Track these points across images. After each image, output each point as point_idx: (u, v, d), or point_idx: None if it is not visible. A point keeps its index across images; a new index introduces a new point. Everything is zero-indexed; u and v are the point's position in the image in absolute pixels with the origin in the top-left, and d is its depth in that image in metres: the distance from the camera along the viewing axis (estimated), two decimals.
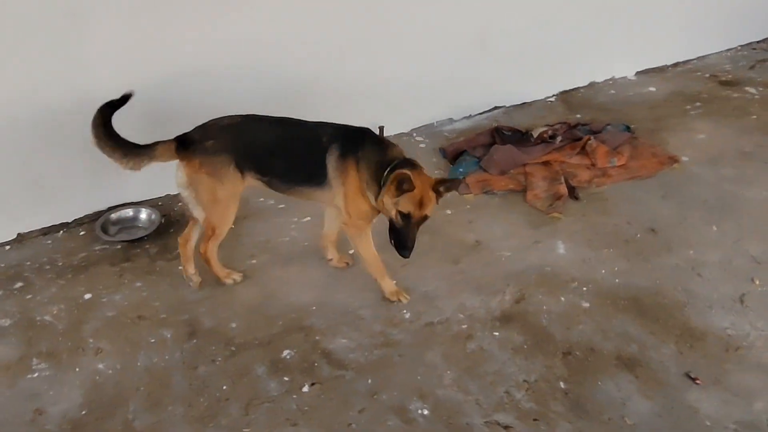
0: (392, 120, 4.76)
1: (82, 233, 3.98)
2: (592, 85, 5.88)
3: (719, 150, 4.92)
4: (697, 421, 2.89)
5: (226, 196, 3.21)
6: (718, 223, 4.14)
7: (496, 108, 5.41)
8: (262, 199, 4.26)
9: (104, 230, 3.90)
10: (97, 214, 4.04)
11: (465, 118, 5.29)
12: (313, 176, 3.22)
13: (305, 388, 2.99)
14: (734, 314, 3.44)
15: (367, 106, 4.56)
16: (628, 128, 5.02)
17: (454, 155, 4.72)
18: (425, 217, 3.08)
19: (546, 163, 4.63)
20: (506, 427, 2.84)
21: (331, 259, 3.70)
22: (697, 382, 3.06)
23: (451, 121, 5.26)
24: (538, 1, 5.17)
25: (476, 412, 2.90)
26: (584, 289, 3.61)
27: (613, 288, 3.62)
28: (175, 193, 4.20)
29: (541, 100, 5.61)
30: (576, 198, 4.34)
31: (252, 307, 3.46)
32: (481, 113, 5.36)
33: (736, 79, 5.99)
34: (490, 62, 5.16)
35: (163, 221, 4.06)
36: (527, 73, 5.39)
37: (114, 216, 4.02)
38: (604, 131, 4.92)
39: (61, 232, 3.97)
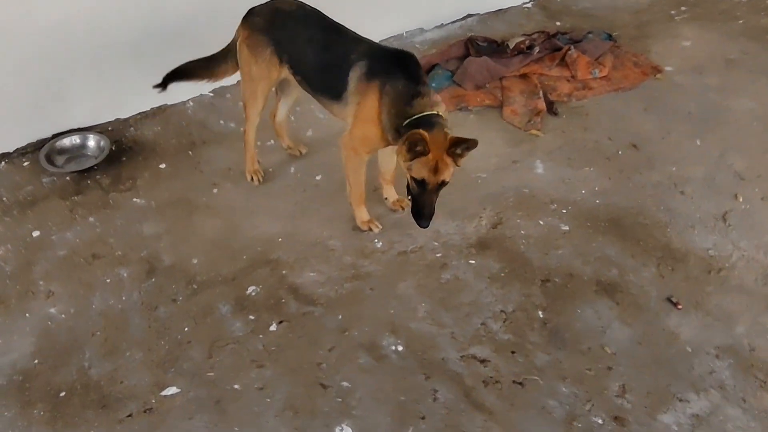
0: (359, 29, 4.38)
1: (26, 164, 3.67)
2: None
3: (704, 58, 4.68)
4: (677, 347, 2.82)
5: (259, 75, 3.20)
6: (701, 136, 3.97)
7: (469, 15, 5.04)
8: (222, 122, 3.97)
9: (50, 160, 3.60)
10: (41, 143, 3.71)
11: (437, 27, 4.92)
12: (333, 88, 3.04)
13: (272, 327, 2.85)
14: (717, 234, 3.33)
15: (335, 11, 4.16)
16: (610, 36, 4.73)
17: (425, 69, 4.40)
18: (443, 183, 2.79)
19: (524, 76, 4.36)
20: (483, 361, 2.75)
21: (386, 199, 3.45)
22: (678, 307, 2.97)
23: (422, 31, 4.90)
24: None
25: (451, 346, 2.79)
26: (563, 211, 3.45)
27: (593, 209, 3.47)
28: (125, 117, 3.92)
29: (518, 6, 5.24)
30: (555, 113, 4.12)
31: (215, 240, 3.26)
32: (453, 21, 4.99)
33: None
34: None
35: (113, 148, 3.76)
36: None
37: (59, 144, 3.71)
38: (585, 40, 4.62)
39: (2, 163, 3.65)
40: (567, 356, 2.77)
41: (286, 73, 3.21)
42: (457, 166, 2.79)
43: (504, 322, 2.90)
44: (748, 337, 2.87)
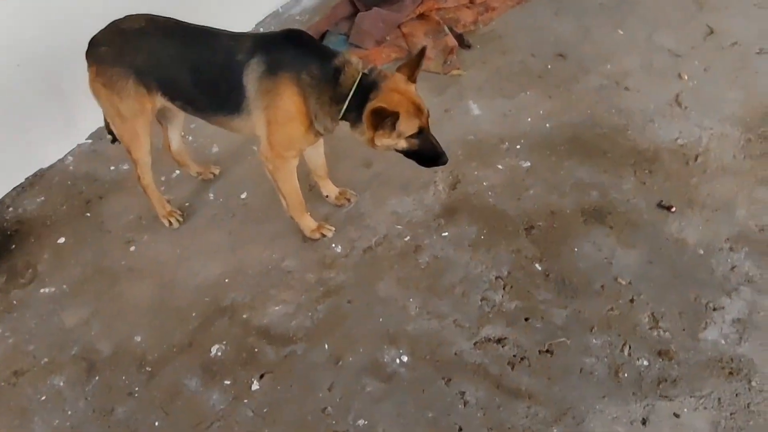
0: (231, 18, 3.84)
1: None
2: None
3: None
4: (689, 253, 2.59)
5: (129, 114, 2.64)
6: (621, 25, 3.74)
7: None
8: (112, 167, 3.39)
9: None
10: None
11: None
12: (227, 101, 2.52)
13: (255, 385, 2.42)
14: (678, 120, 3.11)
15: (199, 6, 3.61)
16: None
17: (317, 39, 3.95)
18: (428, 116, 2.42)
19: (422, 17, 3.97)
20: (499, 341, 2.43)
21: (327, 196, 3.01)
22: (672, 210, 2.73)
23: (296, 1, 4.40)
24: None
25: (460, 336, 2.45)
26: (517, 147, 3.14)
27: (546, 135, 3.17)
28: (3, 194, 3.29)
29: None
30: (468, 46, 3.77)
31: (153, 306, 2.76)
32: None
33: None
34: None
35: None
36: None
37: None
38: None
39: None
40: (584, 303, 2.48)
41: (161, 101, 2.66)
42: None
43: (504, 288, 2.58)
44: (752, 218, 2.67)
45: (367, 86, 2.35)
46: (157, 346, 2.60)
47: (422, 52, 2.38)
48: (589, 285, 2.53)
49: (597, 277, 2.55)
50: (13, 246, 3.11)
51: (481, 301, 2.55)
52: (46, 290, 2.88)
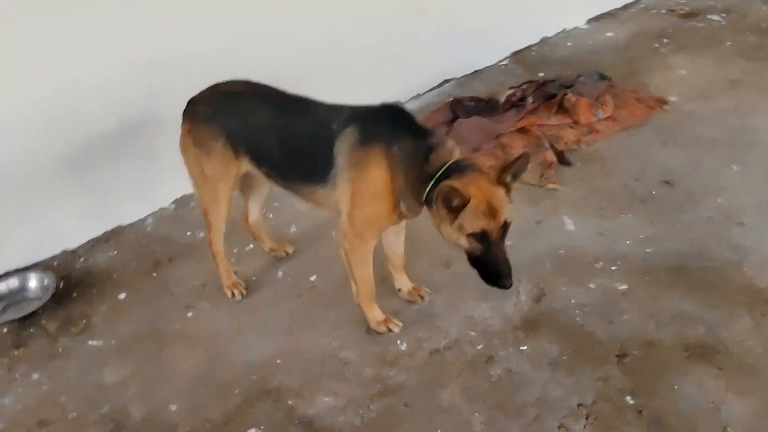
0: None
1: None
2: (544, 41, 5.19)
3: (706, 83, 4.29)
4: None
5: (214, 175, 2.61)
6: (736, 161, 3.48)
7: (446, 81, 4.64)
8: (188, 233, 3.35)
9: None
10: None
11: (414, 98, 4.49)
12: (314, 170, 2.42)
13: None
14: None
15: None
16: (603, 76, 4.32)
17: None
18: (506, 226, 2.19)
19: (522, 130, 3.88)
20: None
21: (400, 290, 2.80)
22: None
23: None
24: None
25: None
26: (613, 268, 2.86)
27: (646, 260, 2.88)
28: (73, 247, 3.28)
29: (494, 65, 4.88)
30: (567, 163, 3.61)
31: (196, 377, 2.56)
32: (430, 90, 4.57)
33: (696, 10, 5.39)
34: (431, 30, 4.40)
35: (62, 285, 3.09)
36: (472, 37, 4.64)
37: None
38: (578, 84, 4.19)
39: None
40: None
41: (247, 166, 2.61)
42: (510, 200, 2.20)
43: (587, 419, 2.22)
44: None
45: (454, 170, 2.19)
46: (191, 420, 2.38)
47: (523, 159, 2.20)
48: (693, 429, 2.13)
49: (702, 423, 2.15)
50: (75, 294, 3.06)
51: (558, 429, 2.19)
52: (94, 343, 2.77)
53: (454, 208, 2.11)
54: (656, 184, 3.37)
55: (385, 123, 2.33)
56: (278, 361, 2.57)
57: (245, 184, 2.88)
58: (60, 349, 2.76)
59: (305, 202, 2.64)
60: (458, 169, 2.20)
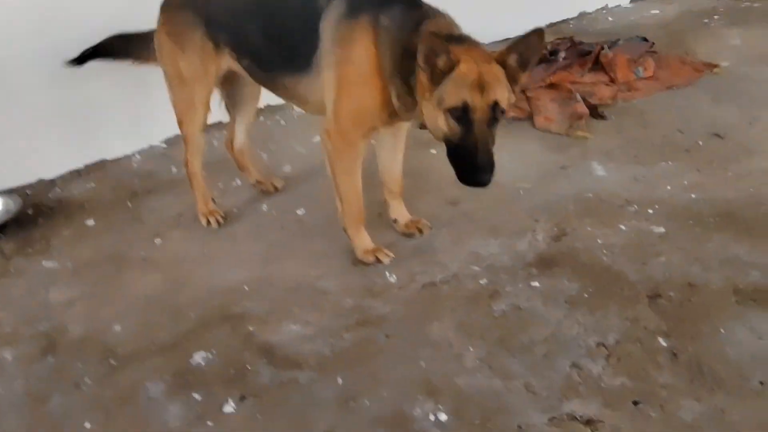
0: None
1: None
2: (582, 15, 4.81)
3: (762, 52, 3.84)
4: None
5: (191, 75, 2.31)
6: None
7: None
8: (175, 169, 3.03)
9: None
10: None
11: None
12: (298, 54, 2.07)
13: (228, 407, 1.73)
14: None
15: None
16: (645, 39, 3.92)
17: None
18: (496, 108, 1.77)
19: (552, 86, 3.49)
20: (589, 422, 1.60)
21: (395, 221, 2.41)
22: None
23: None
24: None
25: (531, 405, 1.66)
26: (650, 211, 2.43)
27: (691, 205, 2.44)
28: (51, 177, 3.01)
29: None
30: (602, 116, 3.20)
31: (150, 299, 2.21)
32: None
33: None
34: None
35: (30, 212, 2.79)
36: (506, 6, 4.30)
37: None
38: (617, 45, 3.80)
39: None
40: (731, 401, 1.63)
41: (228, 62, 2.29)
42: (514, 91, 1.80)
43: (608, 359, 1.78)
44: None
45: (450, 41, 1.80)
46: (134, 341, 2.02)
47: (535, 36, 1.80)
48: (742, 379, 1.68)
49: (755, 372, 1.69)
50: (40, 220, 2.75)
51: (570, 367, 1.76)
52: (49, 264, 2.45)
53: (438, 73, 1.73)
54: (704, 137, 2.94)
55: None
56: (246, 288, 2.20)
57: (230, 100, 2.57)
58: (11, 269, 2.44)
59: (291, 102, 2.32)
60: (455, 39, 1.82)
